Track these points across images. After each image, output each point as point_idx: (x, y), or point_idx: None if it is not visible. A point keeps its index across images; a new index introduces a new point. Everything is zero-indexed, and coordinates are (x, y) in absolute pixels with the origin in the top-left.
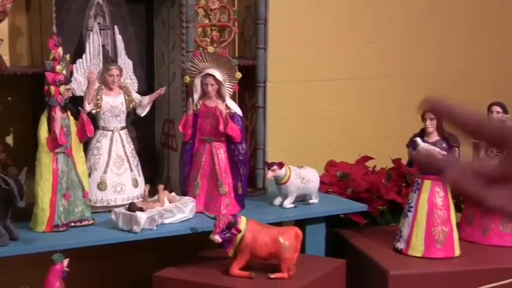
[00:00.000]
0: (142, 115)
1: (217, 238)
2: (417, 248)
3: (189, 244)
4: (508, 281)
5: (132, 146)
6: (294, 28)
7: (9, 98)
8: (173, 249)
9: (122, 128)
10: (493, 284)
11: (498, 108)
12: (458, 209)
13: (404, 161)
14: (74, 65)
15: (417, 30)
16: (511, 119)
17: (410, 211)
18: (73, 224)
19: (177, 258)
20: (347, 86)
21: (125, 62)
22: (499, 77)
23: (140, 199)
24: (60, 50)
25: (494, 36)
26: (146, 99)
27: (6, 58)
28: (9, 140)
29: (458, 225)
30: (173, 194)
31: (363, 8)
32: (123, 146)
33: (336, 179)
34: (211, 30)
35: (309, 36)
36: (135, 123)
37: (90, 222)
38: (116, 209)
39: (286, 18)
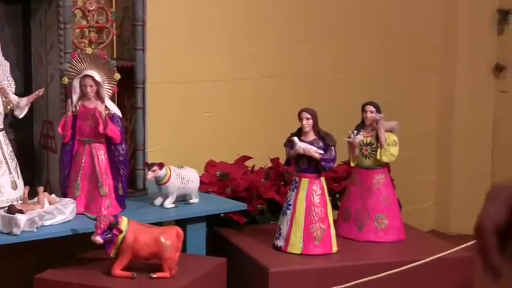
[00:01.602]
0: (20, 117)
1: (99, 239)
2: (296, 245)
3: (70, 246)
4: (381, 274)
5: (10, 148)
6: (172, 29)
7: None
8: (54, 251)
9: (0, 130)
10: (368, 278)
11: (372, 108)
12: (334, 206)
13: (282, 160)
14: None
15: (292, 32)
16: (383, 118)
17: (288, 209)
18: None
19: (58, 260)
20: (225, 87)
21: (1, 64)
22: (372, 78)
23: (20, 201)
24: None
25: (365, 38)
26: (24, 101)
27: None
28: None
29: (335, 222)
30: (53, 195)
31: (241, 10)
32: (1, 148)
33: (216, 179)
34: (89, 31)
35: (187, 38)
36: (13, 125)
37: None
38: None
39: (164, 20)
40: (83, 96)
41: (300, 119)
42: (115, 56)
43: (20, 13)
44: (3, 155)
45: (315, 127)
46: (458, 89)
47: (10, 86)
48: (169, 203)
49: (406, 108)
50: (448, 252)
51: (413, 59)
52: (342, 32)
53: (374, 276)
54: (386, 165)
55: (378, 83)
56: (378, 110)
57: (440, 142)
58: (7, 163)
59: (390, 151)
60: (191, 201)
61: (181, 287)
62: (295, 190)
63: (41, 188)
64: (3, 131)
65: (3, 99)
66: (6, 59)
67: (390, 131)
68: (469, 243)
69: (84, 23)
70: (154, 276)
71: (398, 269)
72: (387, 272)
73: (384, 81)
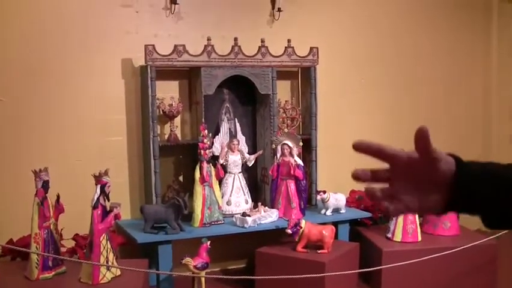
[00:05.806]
0: (250, 165)
1: (289, 231)
2: (397, 236)
3: (275, 234)
4: (445, 252)
5: (244, 182)
6: (332, 118)
7: (180, 157)
8: (266, 237)
9: (239, 172)
10: (439, 254)
11: None
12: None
13: None
14: (214, 139)
15: None
16: None
17: (394, 218)
18: (213, 222)
19: (268, 242)
20: None
21: (241, 137)
22: None
23: (248, 210)
24: (206, 131)
25: None
26: (252, 157)
27: (178, 134)
28: (180, 178)
29: (421, 224)
30: (266, 207)
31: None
32: (240, 181)
33: (355, 200)
34: (286, 119)
35: (339, 120)
36: (246, 170)
37: (222, 222)
38: (236, 215)
39: (325, 112)
40: (282, 154)
41: None
42: (300, 133)
43: (250, 111)
44: (241, 185)
45: None
46: None
47: (245, 149)
48: (328, 213)
49: None
50: (482, 241)
51: None
52: None
53: (441, 253)
54: None
55: None
56: None
57: None
58: (243, 190)
59: None
60: (341, 211)
61: (333, 258)
62: None
63: (259, 203)
64: (241, 173)
65: (241, 156)
66: (243, 134)
67: None
68: (494, 236)
69: (284, 115)
70: (319, 251)
71: (453, 250)
72: (447, 252)
73: None
